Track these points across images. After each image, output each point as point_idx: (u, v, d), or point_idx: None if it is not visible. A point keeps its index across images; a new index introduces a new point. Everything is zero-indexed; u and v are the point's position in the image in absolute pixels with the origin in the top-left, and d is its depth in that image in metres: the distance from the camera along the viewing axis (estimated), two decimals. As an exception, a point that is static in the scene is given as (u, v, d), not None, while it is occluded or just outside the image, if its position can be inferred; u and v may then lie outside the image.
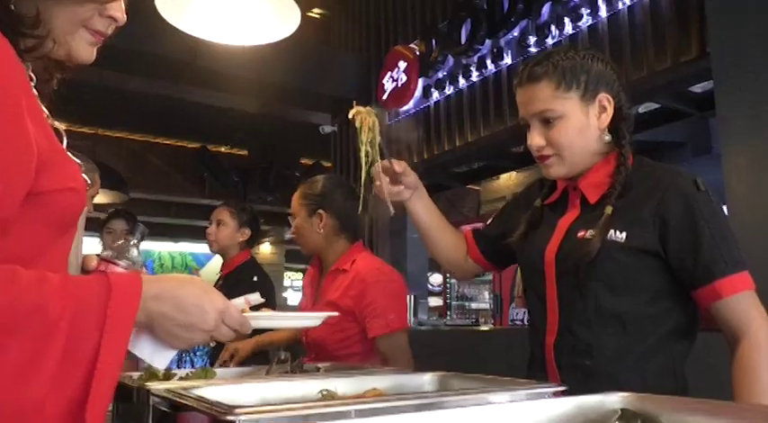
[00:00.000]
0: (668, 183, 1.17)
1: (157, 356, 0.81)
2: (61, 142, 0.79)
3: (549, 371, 1.22)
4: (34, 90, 0.76)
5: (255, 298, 0.91)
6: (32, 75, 0.78)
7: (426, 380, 1.27)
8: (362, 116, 1.33)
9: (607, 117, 1.23)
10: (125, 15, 0.83)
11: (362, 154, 1.31)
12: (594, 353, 1.18)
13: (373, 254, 2.09)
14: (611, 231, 1.16)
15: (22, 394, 0.62)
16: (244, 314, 0.88)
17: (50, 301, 0.65)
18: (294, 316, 1.24)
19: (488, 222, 1.53)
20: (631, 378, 1.12)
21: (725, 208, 2.61)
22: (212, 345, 0.83)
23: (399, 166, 1.35)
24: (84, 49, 0.81)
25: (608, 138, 1.25)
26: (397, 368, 1.52)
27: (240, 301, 0.88)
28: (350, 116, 1.34)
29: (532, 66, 1.23)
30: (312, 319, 1.15)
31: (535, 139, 1.23)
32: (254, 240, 2.75)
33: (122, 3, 0.82)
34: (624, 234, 1.15)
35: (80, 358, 0.66)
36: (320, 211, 1.90)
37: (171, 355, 0.82)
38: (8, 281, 0.63)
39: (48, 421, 0.64)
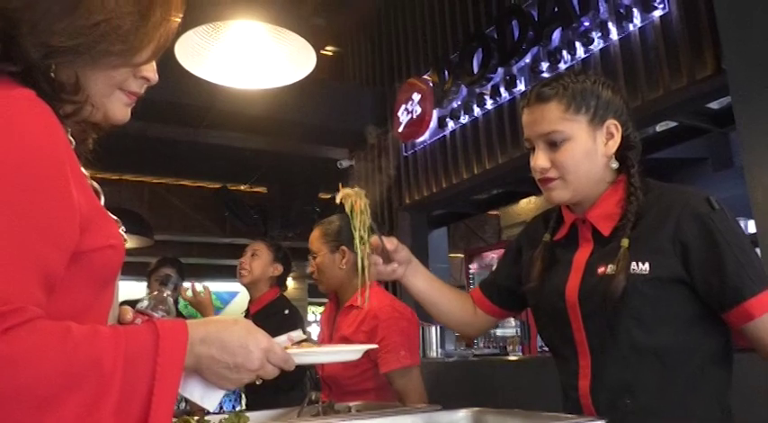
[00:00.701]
0: (681, 205, 1.14)
1: (207, 398, 0.82)
2: (99, 200, 0.81)
3: (587, 412, 1.18)
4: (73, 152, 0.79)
5: (298, 335, 0.92)
6: (71, 138, 0.80)
7: (461, 416, 1.25)
8: (352, 199, 1.27)
9: (614, 144, 1.21)
10: (157, 75, 0.86)
11: (357, 241, 1.27)
12: (634, 390, 1.13)
13: (387, 291, 2.14)
14: (633, 264, 1.12)
15: None
16: (287, 351, 0.89)
17: (104, 353, 0.67)
18: (335, 350, 1.23)
19: (494, 269, 1.49)
20: (675, 412, 1.08)
21: (752, 223, 2.56)
22: (258, 383, 0.83)
23: (391, 243, 1.31)
24: (120, 110, 0.84)
25: (615, 165, 1.23)
26: (429, 405, 1.49)
27: (283, 339, 0.89)
28: (337, 200, 1.28)
29: (541, 87, 1.22)
30: (353, 352, 1.13)
31: (539, 161, 1.21)
32: (283, 279, 2.76)
33: (154, 63, 0.85)
34: (647, 265, 1.12)
35: (134, 407, 0.67)
36: (342, 247, 1.94)
37: (220, 396, 0.83)
38: (63, 337, 0.65)
39: None
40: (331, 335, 1.98)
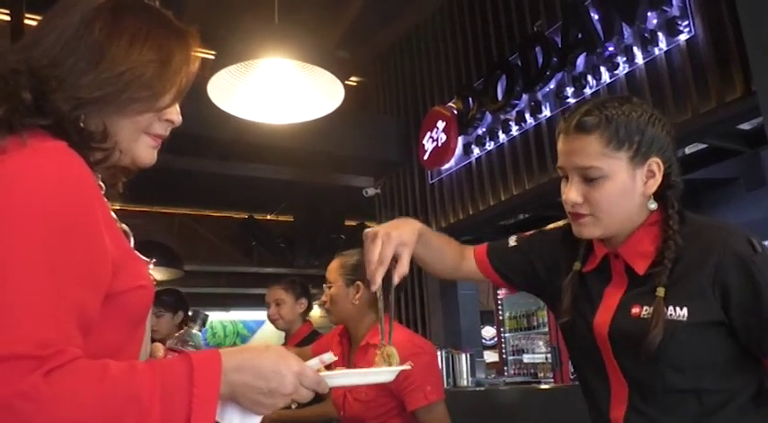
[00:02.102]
0: (721, 245, 1.07)
1: None
2: (129, 242, 0.85)
3: None
4: (104, 197, 0.82)
5: (329, 357, 0.93)
6: (102, 183, 0.84)
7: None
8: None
9: (654, 184, 1.13)
10: (180, 117, 0.89)
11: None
12: None
13: (403, 326, 2.14)
14: (671, 308, 1.07)
15: None
16: (319, 373, 0.89)
17: (141, 388, 0.69)
18: (368, 372, 1.20)
19: (512, 247, 1.37)
20: None
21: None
22: (294, 407, 0.84)
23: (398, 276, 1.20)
24: (147, 153, 0.87)
25: (654, 206, 1.15)
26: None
27: (315, 362, 0.90)
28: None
29: (583, 114, 1.12)
30: (387, 373, 1.11)
31: (572, 195, 1.13)
32: (310, 309, 2.83)
33: (177, 106, 0.88)
34: (685, 310, 1.06)
35: None
36: (358, 282, 1.92)
37: (257, 421, 0.85)
38: (102, 375, 0.68)
39: None
40: None
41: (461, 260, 1.39)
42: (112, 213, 0.84)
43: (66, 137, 0.76)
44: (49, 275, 0.67)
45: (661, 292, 1.08)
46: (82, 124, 0.78)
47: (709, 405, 1.08)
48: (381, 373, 1.12)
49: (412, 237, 1.21)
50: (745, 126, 3.32)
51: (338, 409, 1.96)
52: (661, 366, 1.08)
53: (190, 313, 2.74)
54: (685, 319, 1.06)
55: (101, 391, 0.67)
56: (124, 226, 0.88)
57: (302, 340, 2.67)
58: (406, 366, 1.13)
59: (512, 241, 1.37)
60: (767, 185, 4.84)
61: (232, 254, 7.51)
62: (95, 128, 0.79)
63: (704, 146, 3.60)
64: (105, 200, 0.82)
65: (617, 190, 1.11)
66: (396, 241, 1.18)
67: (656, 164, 1.12)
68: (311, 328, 2.77)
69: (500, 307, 6.90)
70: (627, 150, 1.10)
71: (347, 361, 1.98)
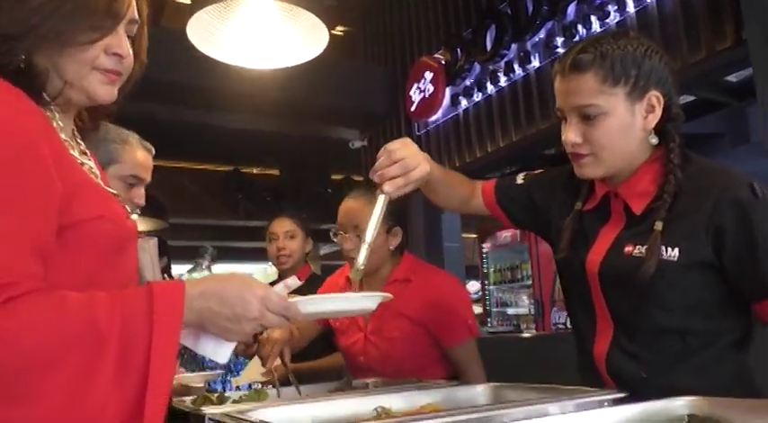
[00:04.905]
0: (722, 188, 1.06)
1: (219, 352, 0.87)
2: (94, 178, 0.87)
3: (603, 380, 1.17)
4: (62, 134, 0.84)
5: (294, 282, 0.93)
6: (60, 123, 0.86)
7: (479, 391, 1.25)
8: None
9: (654, 118, 1.10)
10: (128, 50, 0.88)
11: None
12: (651, 364, 1.12)
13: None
14: (663, 248, 1.07)
15: (84, 399, 0.69)
16: (290, 300, 0.89)
17: (99, 315, 0.72)
18: (346, 297, 1.16)
19: (519, 185, 1.37)
20: (694, 388, 1.03)
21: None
22: (265, 335, 0.85)
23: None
24: (101, 89, 0.87)
25: (654, 140, 1.13)
26: (447, 382, 1.50)
27: (280, 287, 0.90)
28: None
29: (578, 52, 1.10)
30: (370, 300, 1.07)
31: (570, 136, 1.12)
32: (311, 252, 2.61)
33: (123, 39, 0.87)
34: (677, 250, 1.06)
35: (134, 362, 0.72)
36: (397, 227, 1.81)
37: (230, 348, 0.88)
38: (59, 304, 0.71)
39: (110, 421, 0.71)
40: (366, 316, 1.79)
41: (471, 196, 1.40)
42: (75, 152, 0.86)
43: (10, 77, 0.77)
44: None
45: (659, 225, 1.07)
46: (22, 65, 0.79)
47: (691, 346, 1.10)
48: (365, 300, 1.09)
49: (420, 175, 1.20)
50: (733, 79, 3.30)
51: (355, 358, 1.84)
52: (648, 305, 1.10)
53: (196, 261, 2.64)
54: (676, 259, 1.06)
55: (57, 321, 0.70)
56: (92, 164, 0.90)
57: (303, 283, 2.51)
58: (389, 295, 1.12)
59: (519, 179, 1.38)
60: (752, 142, 4.86)
61: (218, 207, 7.47)
62: (38, 65, 0.80)
63: (692, 98, 3.58)
64: (61, 136, 0.84)
65: (616, 127, 1.10)
66: (411, 177, 1.18)
67: (655, 97, 1.10)
68: (311, 270, 2.58)
69: (485, 260, 6.98)
70: (624, 86, 1.08)
71: None
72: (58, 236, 0.75)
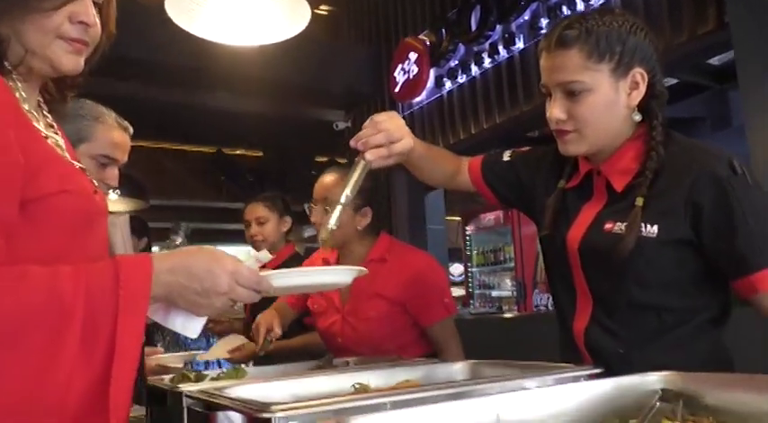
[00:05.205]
0: (701, 165, 1.07)
1: (189, 327, 0.87)
2: (60, 152, 0.85)
3: (582, 355, 1.19)
4: (25, 105, 0.82)
5: (265, 255, 0.92)
6: (23, 93, 0.84)
7: (458, 369, 1.26)
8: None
9: (638, 95, 1.11)
10: (95, 18, 0.86)
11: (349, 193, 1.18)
12: (628, 341, 1.13)
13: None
14: (642, 225, 1.08)
15: (48, 375, 0.68)
16: (261, 274, 0.88)
17: (63, 289, 0.71)
18: (318, 270, 1.14)
19: (506, 161, 1.38)
20: (670, 364, 1.08)
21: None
22: (237, 309, 0.84)
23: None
24: (66, 59, 0.84)
25: (638, 117, 1.14)
26: (427, 359, 1.51)
27: (251, 261, 0.90)
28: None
29: (564, 28, 1.10)
30: (344, 273, 1.07)
31: (555, 112, 1.12)
32: (291, 229, 2.61)
33: (89, 7, 0.85)
34: (656, 227, 1.07)
35: (100, 337, 0.71)
36: (366, 208, 1.81)
37: (200, 323, 0.87)
38: (20, 279, 0.70)
39: (76, 397, 0.70)
40: (345, 296, 1.83)
41: (457, 172, 1.40)
42: (40, 125, 0.84)
43: None
44: None
45: (640, 201, 1.08)
46: None
47: (668, 322, 1.11)
48: (338, 273, 1.08)
49: (403, 149, 1.22)
50: (715, 62, 3.32)
51: (333, 339, 1.85)
52: (626, 281, 1.11)
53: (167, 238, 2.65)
54: (655, 235, 1.07)
55: (18, 294, 0.69)
56: (59, 138, 0.87)
57: (284, 262, 2.45)
58: (363, 269, 1.11)
59: (506, 156, 1.38)
60: (733, 126, 4.91)
61: (200, 189, 7.40)
62: (3, 34, 0.79)
63: (674, 81, 3.60)
64: (24, 107, 0.82)
65: (600, 103, 1.10)
66: (394, 149, 1.20)
67: (639, 74, 1.11)
68: (293, 249, 2.57)
69: (468, 243, 7.01)
70: (608, 62, 1.09)
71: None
72: (22, 210, 0.73)
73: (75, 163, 0.87)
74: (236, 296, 0.85)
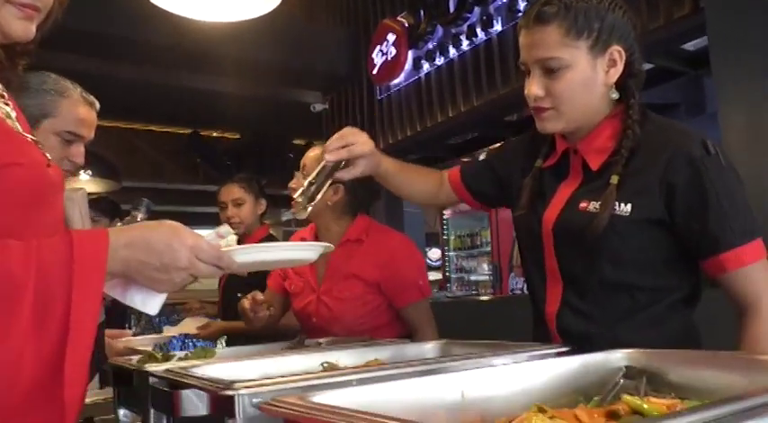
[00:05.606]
0: (675, 145, 1.08)
1: (149, 303, 0.84)
2: (8, 124, 0.82)
3: (554, 339, 1.19)
4: None
5: (226, 229, 0.90)
6: None
7: (428, 348, 1.26)
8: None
9: (616, 72, 1.11)
10: None
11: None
12: (599, 321, 1.14)
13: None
14: (616, 203, 1.08)
15: None
16: (224, 249, 0.87)
17: (14, 264, 0.68)
18: (282, 246, 1.11)
19: (481, 162, 1.43)
20: (640, 343, 1.09)
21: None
22: (197, 284, 0.81)
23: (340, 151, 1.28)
24: (15, 24, 0.81)
25: (615, 95, 1.14)
26: (398, 339, 1.51)
27: (211, 235, 0.87)
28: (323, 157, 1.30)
29: (542, 5, 1.10)
30: (310, 250, 1.05)
31: (533, 89, 1.12)
32: (266, 211, 2.61)
33: None
34: (629, 206, 1.08)
35: (53, 313, 0.69)
36: (340, 185, 1.79)
37: (160, 300, 0.84)
38: None
39: (28, 372, 0.67)
40: (320, 277, 1.84)
41: (439, 186, 1.43)
42: None
43: None
44: None
45: (615, 179, 1.09)
46: None
47: (640, 301, 1.12)
48: (302, 249, 1.07)
49: (361, 150, 1.29)
50: (690, 47, 3.34)
51: (308, 319, 1.84)
52: (599, 260, 1.11)
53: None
54: (628, 214, 1.08)
55: None
56: (7, 108, 0.84)
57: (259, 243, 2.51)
58: (328, 245, 1.10)
59: (481, 156, 1.42)
60: (707, 112, 4.96)
61: (176, 171, 7.30)
62: None
63: (650, 66, 3.62)
64: None
65: (578, 80, 1.11)
66: (353, 150, 1.27)
67: (617, 52, 1.11)
68: (268, 230, 2.57)
69: (445, 227, 7.05)
70: (587, 39, 1.09)
71: (315, 262, 1.88)
72: None
73: (28, 135, 0.84)
74: (196, 271, 0.83)
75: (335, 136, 1.30)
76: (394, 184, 1.40)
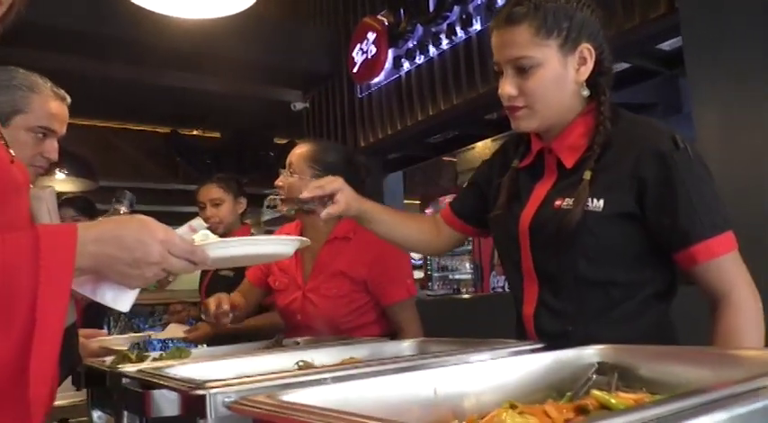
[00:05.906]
0: (645, 140, 1.10)
1: (120, 300, 0.82)
2: None
3: (531, 338, 1.20)
4: None
5: (199, 223, 0.89)
6: None
7: (405, 346, 1.26)
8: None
9: (586, 70, 1.15)
10: None
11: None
12: (576, 319, 1.15)
13: None
14: (589, 199, 1.10)
15: None
16: (197, 243, 0.85)
17: None
18: (256, 240, 1.08)
19: (465, 187, 1.45)
20: (615, 339, 1.09)
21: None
22: (170, 280, 0.81)
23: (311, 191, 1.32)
24: None
25: (586, 93, 1.17)
26: (376, 338, 1.50)
27: (183, 229, 0.86)
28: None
29: (512, 6, 1.14)
30: (281, 243, 1.04)
31: (506, 88, 1.15)
32: (246, 211, 2.60)
33: None
34: (602, 202, 1.10)
35: (17, 311, 0.66)
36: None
37: (132, 296, 0.83)
38: None
39: None
40: (306, 274, 1.83)
41: (437, 228, 1.43)
42: None
43: None
44: None
45: (587, 175, 1.11)
46: None
47: (615, 297, 1.14)
48: (277, 244, 1.05)
49: (333, 186, 1.32)
50: (666, 47, 3.38)
51: (293, 316, 1.83)
52: (574, 256, 1.13)
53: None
54: (600, 210, 1.10)
55: None
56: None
57: None
58: (304, 239, 1.10)
59: (465, 184, 1.44)
60: (684, 112, 5.03)
61: (155, 170, 7.21)
62: None
63: (627, 65, 3.65)
64: None
65: (550, 78, 1.13)
66: (326, 188, 1.31)
67: (587, 50, 1.14)
68: (249, 231, 2.56)
69: (427, 226, 7.05)
70: (557, 37, 1.12)
71: (302, 259, 1.84)
72: None
73: None
74: (168, 266, 0.81)
75: (314, 182, 1.35)
76: (384, 227, 1.38)
